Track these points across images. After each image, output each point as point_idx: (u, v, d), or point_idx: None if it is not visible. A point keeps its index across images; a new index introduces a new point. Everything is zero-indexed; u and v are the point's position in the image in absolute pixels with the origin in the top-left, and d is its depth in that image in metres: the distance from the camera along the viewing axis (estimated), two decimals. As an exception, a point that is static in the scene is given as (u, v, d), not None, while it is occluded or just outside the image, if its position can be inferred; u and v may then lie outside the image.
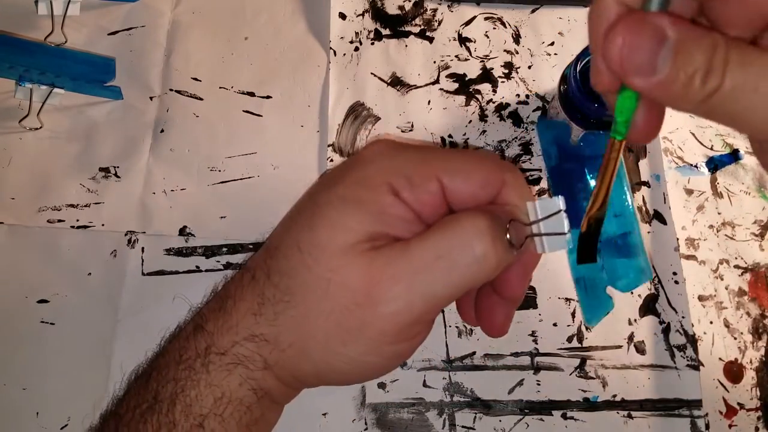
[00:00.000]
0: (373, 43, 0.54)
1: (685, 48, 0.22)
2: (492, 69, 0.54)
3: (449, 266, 0.29)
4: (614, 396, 0.46)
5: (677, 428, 0.45)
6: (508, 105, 0.53)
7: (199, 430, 0.30)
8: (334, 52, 0.54)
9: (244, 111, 0.52)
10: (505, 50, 0.54)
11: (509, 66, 0.54)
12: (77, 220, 0.49)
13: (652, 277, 0.48)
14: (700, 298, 0.48)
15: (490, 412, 0.45)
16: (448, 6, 0.55)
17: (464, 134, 0.52)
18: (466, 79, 0.54)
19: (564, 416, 0.45)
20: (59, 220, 0.49)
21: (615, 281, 0.47)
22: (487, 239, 0.29)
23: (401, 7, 0.56)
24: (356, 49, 0.54)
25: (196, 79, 0.53)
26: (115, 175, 0.50)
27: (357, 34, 0.55)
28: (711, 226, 0.50)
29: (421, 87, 0.53)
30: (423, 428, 0.45)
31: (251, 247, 0.49)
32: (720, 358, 0.47)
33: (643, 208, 0.50)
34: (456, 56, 0.54)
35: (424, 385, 0.46)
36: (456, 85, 0.53)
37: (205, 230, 0.49)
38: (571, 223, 0.30)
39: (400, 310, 0.29)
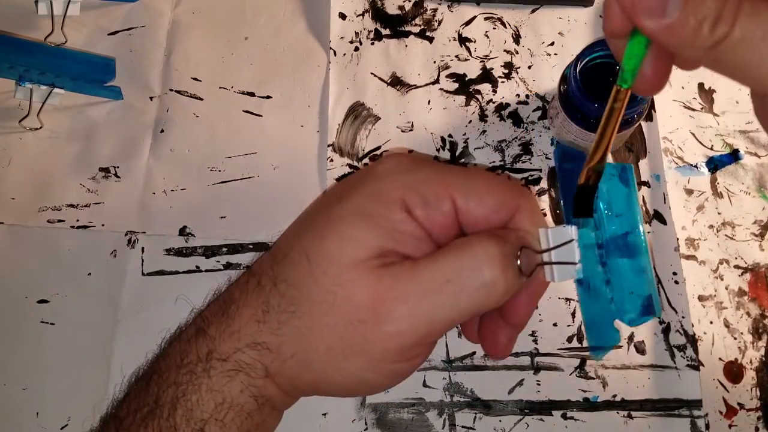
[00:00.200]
0: (373, 43, 0.54)
1: None
2: (492, 69, 0.54)
3: (457, 290, 0.29)
4: (614, 396, 0.46)
5: (677, 428, 0.45)
6: (508, 105, 0.53)
7: None
8: (334, 52, 0.54)
9: (244, 111, 0.52)
10: (505, 50, 0.54)
11: (509, 66, 0.54)
12: (77, 220, 0.49)
13: (661, 314, 0.47)
14: (700, 298, 0.48)
15: (490, 412, 0.45)
16: (448, 6, 0.55)
17: (464, 134, 0.52)
18: (466, 79, 0.54)
19: (564, 416, 0.45)
20: (59, 220, 0.49)
21: (623, 315, 0.47)
22: (497, 266, 0.29)
23: (401, 7, 0.55)
24: (356, 49, 0.54)
25: (196, 79, 0.53)
26: (115, 175, 0.50)
27: (357, 34, 0.55)
28: (711, 226, 0.50)
29: (421, 87, 0.53)
30: (423, 428, 0.45)
31: (251, 247, 0.49)
32: (720, 358, 0.47)
33: (643, 208, 0.50)
34: (456, 56, 0.54)
35: (424, 385, 0.46)
36: (456, 85, 0.53)
37: (205, 230, 0.49)
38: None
39: (403, 331, 0.29)
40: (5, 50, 0.48)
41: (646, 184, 0.50)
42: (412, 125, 0.52)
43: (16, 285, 0.47)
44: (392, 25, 0.55)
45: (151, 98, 0.52)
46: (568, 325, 0.47)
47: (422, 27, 0.55)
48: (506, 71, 0.54)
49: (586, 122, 0.46)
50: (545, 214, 0.50)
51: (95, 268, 0.48)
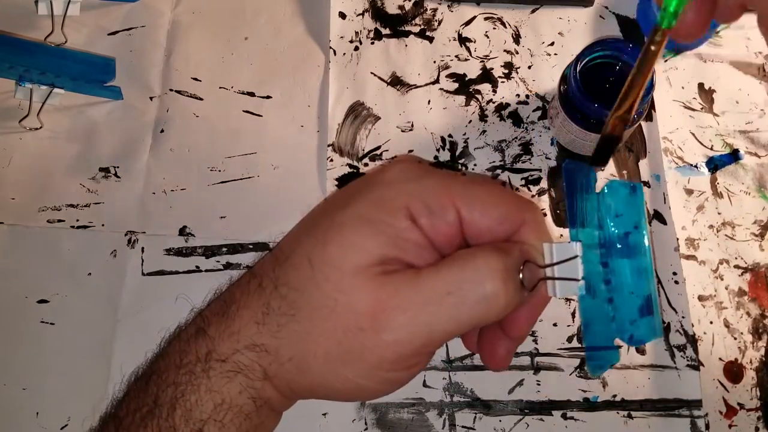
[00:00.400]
0: (373, 43, 0.54)
1: None
2: (492, 69, 0.54)
3: (458, 302, 0.29)
4: (614, 396, 0.46)
5: (677, 428, 0.45)
6: (508, 105, 0.53)
7: None
8: (334, 51, 0.54)
9: (244, 111, 0.52)
10: (505, 50, 0.54)
11: (509, 66, 0.54)
12: (77, 220, 0.49)
13: (662, 335, 0.47)
14: (700, 298, 0.48)
15: (490, 412, 0.45)
16: (448, 6, 0.55)
17: (464, 134, 0.52)
18: (466, 79, 0.54)
19: (564, 416, 0.45)
20: (59, 220, 0.49)
21: (623, 334, 0.47)
22: (499, 279, 0.29)
23: (401, 7, 0.55)
24: (356, 48, 0.54)
25: (196, 79, 0.53)
26: (115, 175, 0.50)
27: (357, 33, 0.55)
28: (711, 226, 0.50)
29: (421, 87, 0.53)
30: (423, 428, 0.45)
31: (251, 247, 0.49)
32: (720, 358, 0.47)
33: (644, 208, 0.50)
34: (456, 56, 0.54)
35: (424, 385, 0.46)
36: (456, 85, 0.53)
37: (205, 230, 0.49)
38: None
39: (402, 340, 0.29)
40: (5, 50, 0.48)
41: (647, 184, 0.50)
42: (412, 125, 0.52)
43: (16, 285, 0.47)
44: (392, 25, 0.55)
45: (151, 98, 0.52)
46: (568, 325, 0.47)
47: (422, 27, 0.55)
48: (506, 71, 0.54)
49: (586, 122, 0.46)
50: (545, 214, 0.50)
51: (95, 268, 0.48)
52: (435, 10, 0.55)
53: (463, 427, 0.45)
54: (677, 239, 0.49)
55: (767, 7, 0.27)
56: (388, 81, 0.53)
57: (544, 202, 0.50)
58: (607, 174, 0.51)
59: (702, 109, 0.53)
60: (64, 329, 0.46)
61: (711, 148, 0.52)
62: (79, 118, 0.52)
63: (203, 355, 0.31)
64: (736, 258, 0.49)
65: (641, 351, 0.47)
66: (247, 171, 0.51)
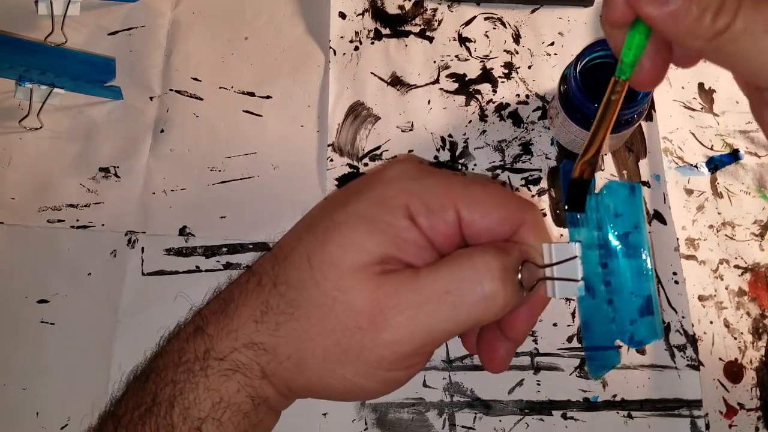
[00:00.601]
0: (373, 43, 0.54)
1: None
2: (492, 69, 0.54)
3: (456, 302, 0.29)
4: (614, 396, 0.46)
5: (677, 428, 0.45)
6: (508, 105, 0.53)
7: None
8: (334, 51, 0.54)
9: (244, 111, 0.52)
10: (505, 50, 0.54)
11: (509, 66, 0.54)
12: (77, 220, 0.49)
13: (662, 337, 0.47)
14: (700, 298, 0.48)
15: (490, 412, 0.45)
16: (448, 6, 0.55)
17: (464, 134, 0.52)
18: (466, 79, 0.54)
19: (564, 416, 0.45)
20: (59, 220, 0.49)
21: (623, 334, 0.47)
22: (498, 279, 0.29)
23: (401, 7, 0.55)
24: (356, 48, 0.54)
25: (196, 79, 0.53)
26: (115, 175, 0.50)
27: (357, 33, 0.55)
28: (711, 226, 0.50)
29: (421, 87, 0.53)
30: (423, 428, 0.45)
31: (251, 247, 0.49)
32: (720, 358, 0.47)
33: (643, 209, 0.50)
34: (456, 56, 0.54)
35: (424, 385, 0.46)
36: (456, 85, 0.53)
37: (205, 230, 0.49)
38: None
39: (400, 340, 0.29)
40: (5, 50, 0.48)
41: (646, 184, 0.50)
42: (412, 125, 0.52)
43: (16, 285, 0.47)
44: (392, 25, 0.55)
45: (151, 98, 0.52)
46: (568, 325, 0.47)
47: (422, 27, 0.55)
48: (506, 71, 0.54)
49: (586, 122, 0.46)
50: (545, 214, 0.50)
51: (95, 268, 0.48)
52: (435, 10, 0.55)
53: (463, 427, 0.45)
54: (677, 239, 0.49)
55: (756, 95, 0.27)
56: (388, 81, 0.53)
57: (544, 202, 0.50)
58: (606, 174, 0.51)
59: (702, 109, 0.53)
60: (64, 329, 0.46)
61: (711, 148, 0.52)
62: (79, 118, 0.52)
63: (202, 353, 0.31)
64: (736, 258, 0.49)
65: (641, 351, 0.47)
66: (247, 171, 0.51)
